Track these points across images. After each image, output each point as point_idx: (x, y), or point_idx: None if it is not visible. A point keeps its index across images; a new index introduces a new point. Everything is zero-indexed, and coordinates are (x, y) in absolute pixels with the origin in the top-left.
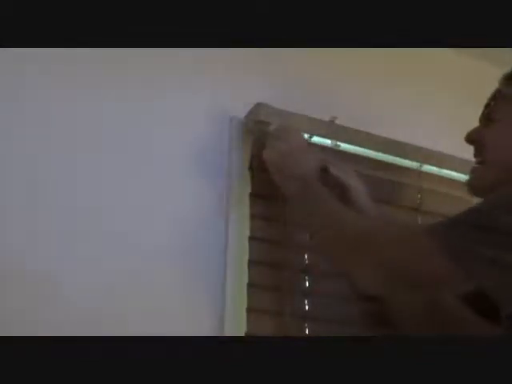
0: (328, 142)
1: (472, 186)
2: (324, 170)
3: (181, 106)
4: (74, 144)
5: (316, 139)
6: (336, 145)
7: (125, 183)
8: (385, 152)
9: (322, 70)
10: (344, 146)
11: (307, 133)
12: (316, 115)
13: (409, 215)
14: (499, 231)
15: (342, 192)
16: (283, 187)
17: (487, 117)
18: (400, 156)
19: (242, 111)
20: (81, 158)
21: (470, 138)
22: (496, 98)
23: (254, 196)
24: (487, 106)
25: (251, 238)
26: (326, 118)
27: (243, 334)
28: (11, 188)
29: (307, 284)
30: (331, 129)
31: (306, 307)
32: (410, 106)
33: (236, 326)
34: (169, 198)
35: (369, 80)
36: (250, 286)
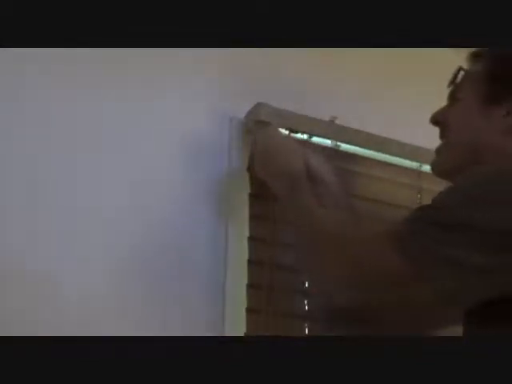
0: (328, 142)
1: (435, 168)
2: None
3: (181, 105)
4: (73, 144)
5: (316, 139)
6: (336, 145)
7: (124, 183)
8: (385, 152)
9: (322, 70)
10: (344, 146)
11: (307, 133)
12: (316, 115)
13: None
14: (457, 228)
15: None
16: (271, 186)
17: (451, 96)
18: (400, 156)
19: (242, 111)
20: (81, 158)
21: (435, 120)
22: (459, 75)
23: (253, 196)
24: (451, 84)
25: (251, 238)
26: (326, 118)
27: (243, 334)
28: (11, 188)
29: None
30: (331, 129)
31: (306, 307)
32: (410, 106)
33: (235, 326)
34: (168, 197)
35: (369, 80)
36: (250, 286)
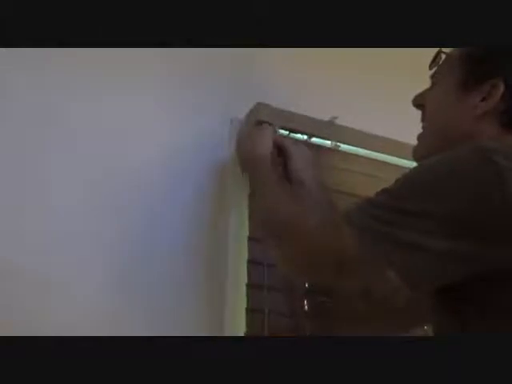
0: (328, 142)
1: (413, 154)
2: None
3: (181, 106)
4: (74, 144)
5: (316, 139)
6: (336, 145)
7: (124, 183)
8: (385, 152)
9: (322, 70)
10: (344, 146)
11: (307, 133)
12: (316, 115)
13: None
14: (410, 213)
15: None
16: (243, 173)
17: (431, 78)
18: (400, 156)
19: (242, 111)
20: (81, 158)
21: (416, 102)
22: (440, 58)
23: (253, 196)
24: (432, 66)
25: (250, 238)
26: (326, 118)
27: (242, 335)
28: (10, 187)
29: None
30: (331, 129)
31: (306, 307)
32: (410, 106)
33: (235, 326)
34: (168, 197)
35: (369, 80)
36: (249, 286)
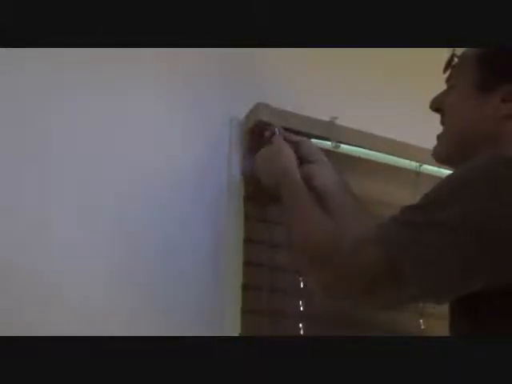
0: (328, 142)
1: (434, 156)
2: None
3: (181, 105)
4: (74, 144)
5: (316, 140)
6: (336, 145)
7: (124, 183)
8: (385, 152)
9: (322, 70)
10: (344, 147)
11: (307, 133)
12: (316, 115)
13: None
14: (440, 226)
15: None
16: (271, 189)
17: (446, 82)
18: (400, 156)
19: (242, 111)
20: (82, 159)
21: (433, 106)
22: (454, 61)
23: (250, 197)
24: (446, 69)
25: (246, 240)
26: (326, 118)
27: (237, 335)
28: (12, 188)
29: (302, 284)
30: (331, 129)
31: (301, 308)
32: (409, 106)
33: (231, 326)
34: (167, 198)
35: (369, 80)
36: (245, 286)
